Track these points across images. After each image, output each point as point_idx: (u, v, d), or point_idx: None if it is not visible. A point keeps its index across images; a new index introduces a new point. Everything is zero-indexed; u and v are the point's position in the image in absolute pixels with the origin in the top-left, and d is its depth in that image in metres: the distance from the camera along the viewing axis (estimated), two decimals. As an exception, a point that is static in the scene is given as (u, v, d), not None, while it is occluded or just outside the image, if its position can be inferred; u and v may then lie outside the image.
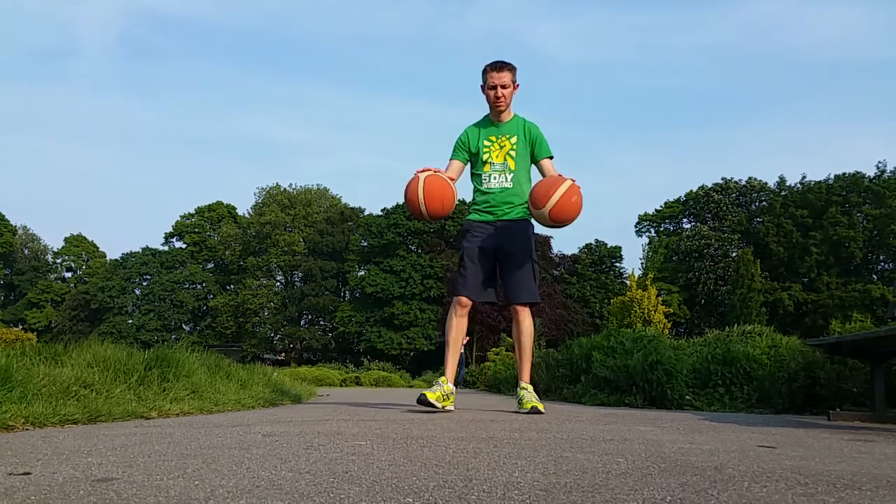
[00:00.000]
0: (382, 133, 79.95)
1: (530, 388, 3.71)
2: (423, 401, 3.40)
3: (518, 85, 3.74)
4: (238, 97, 78.86)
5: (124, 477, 1.32)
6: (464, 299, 3.60)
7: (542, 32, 74.49)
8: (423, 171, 3.53)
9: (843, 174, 41.47)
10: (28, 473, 1.36)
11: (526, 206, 3.63)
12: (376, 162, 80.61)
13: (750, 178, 45.23)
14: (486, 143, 3.74)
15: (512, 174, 3.68)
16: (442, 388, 3.51)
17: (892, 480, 1.43)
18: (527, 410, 3.52)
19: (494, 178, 3.71)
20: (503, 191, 3.69)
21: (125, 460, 1.55)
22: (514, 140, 3.70)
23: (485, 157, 3.73)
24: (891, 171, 40.40)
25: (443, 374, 3.65)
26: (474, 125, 3.83)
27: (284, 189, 52.39)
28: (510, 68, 3.67)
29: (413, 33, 77.25)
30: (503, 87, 3.64)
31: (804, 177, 43.35)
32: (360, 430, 2.39)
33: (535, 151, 3.72)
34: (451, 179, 3.64)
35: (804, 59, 68.27)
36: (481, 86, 3.72)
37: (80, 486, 1.22)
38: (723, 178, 45.61)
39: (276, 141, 78.86)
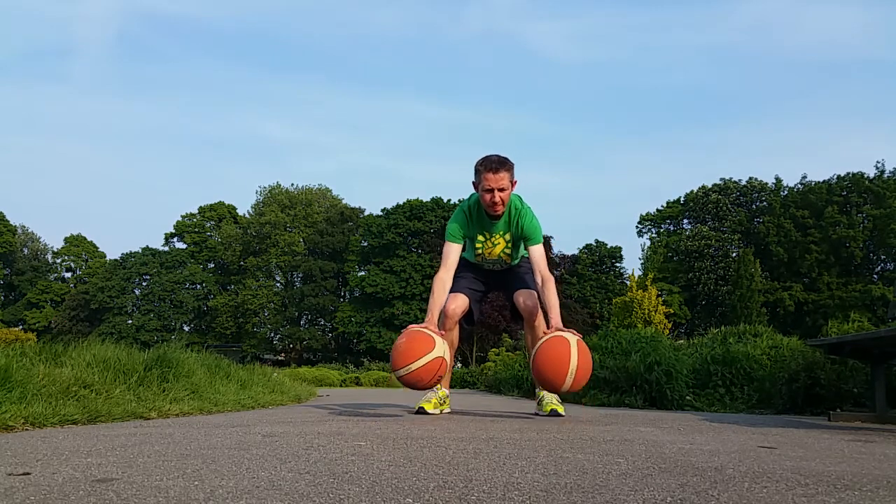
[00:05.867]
0: (382, 133, 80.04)
1: None
2: (421, 412, 3.41)
3: (516, 182, 3.41)
4: (238, 97, 78.95)
5: (124, 477, 1.32)
6: (450, 309, 3.50)
7: (541, 31, 74.60)
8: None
9: (844, 174, 41.50)
10: (28, 474, 1.36)
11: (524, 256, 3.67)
12: (376, 162, 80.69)
13: (750, 179, 45.25)
14: (479, 236, 3.57)
15: (508, 264, 3.69)
16: (437, 394, 3.51)
17: (893, 481, 1.43)
18: (546, 413, 3.46)
19: (489, 265, 3.70)
20: (502, 270, 3.73)
21: (125, 461, 1.55)
22: (507, 237, 3.55)
23: (478, 248, 3.61)
24: (891, 171, 40.43)
25: None
26: (465, 215, 3.52)
27: (285, 189, 52.41)
28: (508, 167, 3.31)
29: (413, 33, 77.32)
30: (501, 190, 3.30)
31: (804, 177, 43.44)
32: (360, 431, 2.38)
33: (525, 242, 3.54)
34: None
35: (804, 59, 68.35)
36: (474, 183, 3.41)
37: (80, 487, 1.21)
38: (723, 179, 45.67)
39: (276, 141, 78.98)
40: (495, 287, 3.83)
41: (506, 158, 3.36)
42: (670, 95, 73.93)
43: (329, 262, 48.53)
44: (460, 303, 3.55)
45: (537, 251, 3.43)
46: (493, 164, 3.30)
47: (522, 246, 3.61)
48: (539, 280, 3.38)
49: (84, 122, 78.89)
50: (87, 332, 44.13)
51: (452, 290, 3.58)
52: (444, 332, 3.25)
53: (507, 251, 3.59)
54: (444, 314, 3.51)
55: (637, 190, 76.08)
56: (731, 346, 6.10)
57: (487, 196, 3.33)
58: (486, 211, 3.44)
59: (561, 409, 3.45)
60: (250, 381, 5.27)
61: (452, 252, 3.47)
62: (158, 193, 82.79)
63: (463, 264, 3.75)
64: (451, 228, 3.51)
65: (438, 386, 3.53)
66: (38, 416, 2.47)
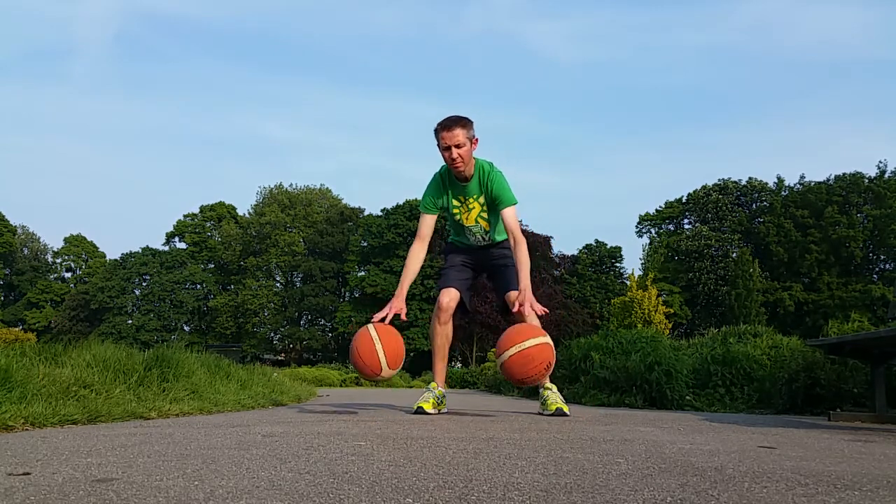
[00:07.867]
0: (382, 133, 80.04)
1: (554, 388, 3.65)
2: (420, 412, 3.42)
3: (477, 140, 3.45)
4: (238, 97, 78.93)
5: (124, 477, 1.32)
6: (444, 304, 3.53)
7: (541, 31, 74.58)
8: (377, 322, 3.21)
9: (843, 174, 41.50)
10: (28, 474, 1.36)
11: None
12: (376, 162, 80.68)
13: (750, 179, 45.24)
14: (454, 202, 3.59)
15: (488, 233, 3.68)
16: (434, 394, 3.51)
17: (893, 481, 1.43)
18: (551, 412, 3.47)
19: (470, 237, 3.70)
20: (484, 244, 3.73)
21: (125, 460, 1.55)
22: (481, 200, 3.56)
23: (455, 216, 3.62)
24: (891, 172, 40.45)
25: (433, 379, 3.65)
26: (438, 183, 3.59)
27: (285, 189, 52.43)
28: (462, 124, 3.39)
29: (413, 33, 77.32)
30: (457, 146, 3.36)
31: (803, 177, 43.46)
32: (359, 431, 2.38)
33: (497, 205, 3.52)
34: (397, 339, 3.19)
35: (804, 59, 68.33)
36: (438, 146, 3.46)
37: (80, 487, 1.21)
38: (722, 179, 45.65)
39: (276, 141, 79.00)
40: (482, 269, 3.83)
41: (461, 116, 3.44)
42: (670, 95, 73.97)
43: (329, 262, 48.52)
44: (454, 296, 3.59)
45: (510, 213, 3.50)
46: (447, 123, 3.40)
47: (502, 222, 3.60)
48: (511, 242, 3.45)
49: (84, 122, 78.97)
50: (87, 332, 44.17)
51: (444, 285, 3.64)
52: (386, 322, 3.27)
53: (484, 216, 3.61)
54: (438, 309, 3.57)
55: (637, 190, 76.15)
56: (731, 346, 6.10)
57: (447, 154, 3.41)
58: (454, 174, 3.51)
59: (566, 409, 3.47)
60: (250, 381, 5.27)
61: (426, 223, 3.59)
62: (158, 193, 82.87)
63: (450, 249, 3.80)
64: (425, 199, 3.61)
65: (434, 385, 3.55)
66: (38, 416, 2.47)
